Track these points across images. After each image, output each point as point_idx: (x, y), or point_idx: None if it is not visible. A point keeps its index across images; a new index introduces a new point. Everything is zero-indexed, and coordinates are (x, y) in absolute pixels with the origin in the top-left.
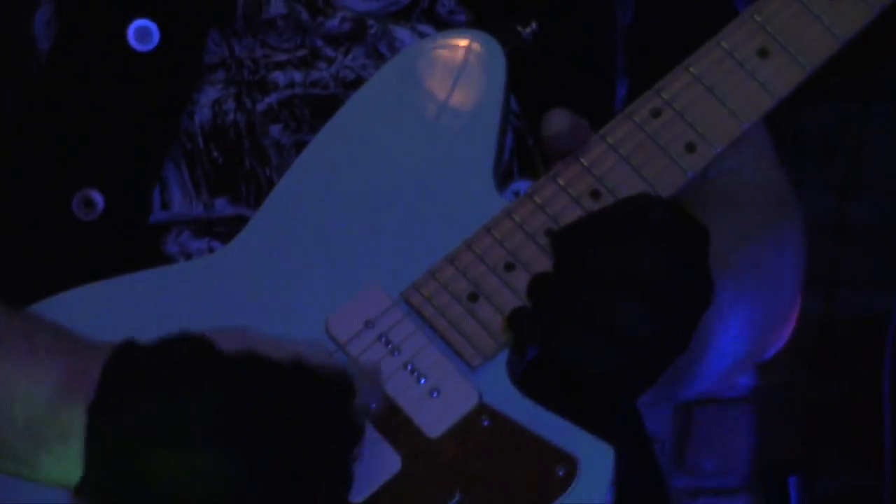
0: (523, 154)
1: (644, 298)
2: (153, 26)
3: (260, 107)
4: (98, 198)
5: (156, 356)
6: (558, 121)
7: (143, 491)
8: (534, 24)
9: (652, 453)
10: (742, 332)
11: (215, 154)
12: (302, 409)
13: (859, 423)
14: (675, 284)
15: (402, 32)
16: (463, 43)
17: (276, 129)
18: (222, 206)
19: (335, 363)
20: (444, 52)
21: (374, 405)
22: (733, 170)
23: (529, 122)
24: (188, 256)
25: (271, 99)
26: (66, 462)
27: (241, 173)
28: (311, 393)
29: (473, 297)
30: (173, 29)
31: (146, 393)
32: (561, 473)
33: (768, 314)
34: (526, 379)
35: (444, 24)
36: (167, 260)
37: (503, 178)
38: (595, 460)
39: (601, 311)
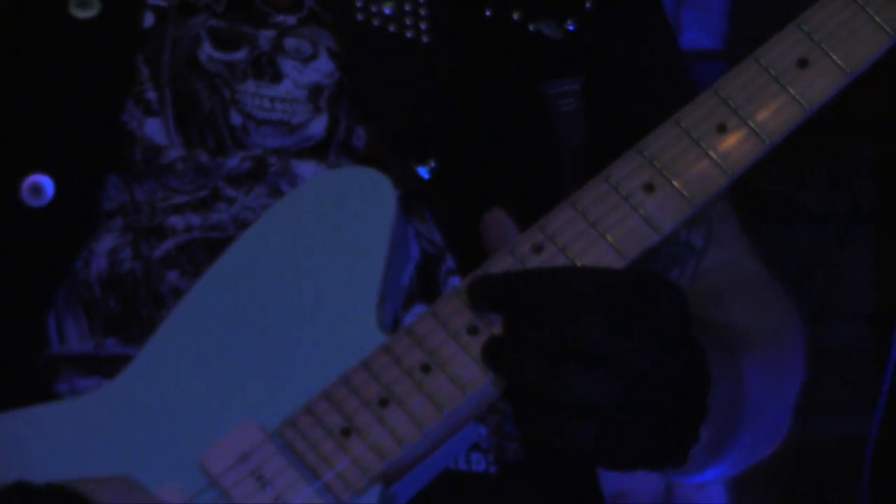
0: (426, 279)
1: (610, 372)
2: (47, 180)
3: (157, 253)
4: None
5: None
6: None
7: None
8: (433, 163)
9: None
10: (770, 410)
11: (112, 303)
12: None
13: None
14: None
15: (303, 168)
16: (353, 180)
17: (173, 276)
18: (112, 346)
19: None
20: (333, 190)
21: None
22: (724, 265)
23: (452, 248)
24: (77, 394)
25: (168, 245)
26: None
27: (137, 320)
28: None
29: (346, 433)
30: (69, 181)
31: None
32: None
33: (789, 396)
34: None
35: (362, 157)
36: (56, 398)
37: (407, 301)
38: None
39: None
